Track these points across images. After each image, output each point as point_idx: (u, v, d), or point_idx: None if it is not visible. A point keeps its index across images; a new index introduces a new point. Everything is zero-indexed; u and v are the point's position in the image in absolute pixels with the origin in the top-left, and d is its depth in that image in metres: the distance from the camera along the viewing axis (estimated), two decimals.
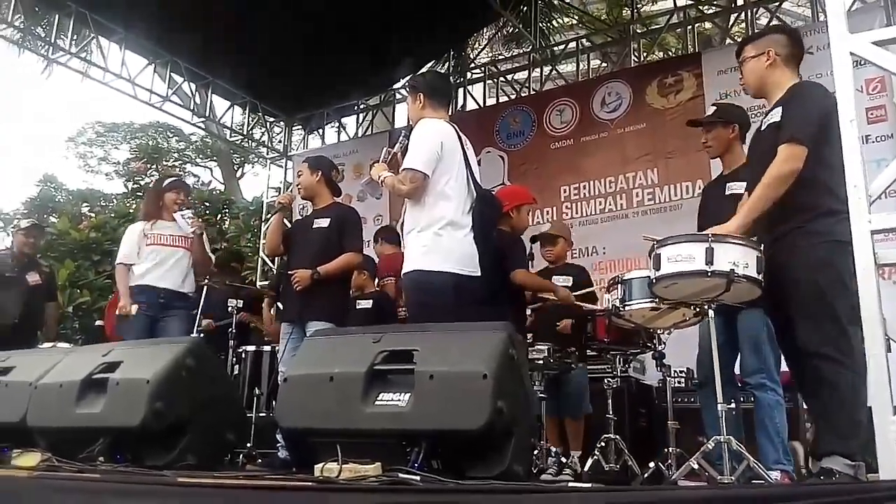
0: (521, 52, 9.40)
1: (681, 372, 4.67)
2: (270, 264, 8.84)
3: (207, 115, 9.13)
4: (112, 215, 12.30)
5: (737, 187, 3.45)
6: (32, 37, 8.00)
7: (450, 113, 3.84)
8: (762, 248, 2.79)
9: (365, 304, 5.35)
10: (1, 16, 6.98)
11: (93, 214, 12.60)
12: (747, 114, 3.87)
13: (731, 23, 7.86)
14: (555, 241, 4.70)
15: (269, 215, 4.36)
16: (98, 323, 6.74)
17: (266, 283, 8.63)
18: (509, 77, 8.60)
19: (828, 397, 2.62)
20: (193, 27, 7.24)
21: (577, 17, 11.49)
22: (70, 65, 7.71)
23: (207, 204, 13.31)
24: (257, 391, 4.86)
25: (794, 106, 2.82)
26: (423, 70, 8.77)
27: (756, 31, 7.04)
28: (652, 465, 3.43)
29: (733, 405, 2.91)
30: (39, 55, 8.15)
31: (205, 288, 4.84)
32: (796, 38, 3.08)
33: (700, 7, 7.74)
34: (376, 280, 5.49)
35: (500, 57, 10.62)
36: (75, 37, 7.46)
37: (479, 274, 3.36)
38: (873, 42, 2.20)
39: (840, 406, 2.58)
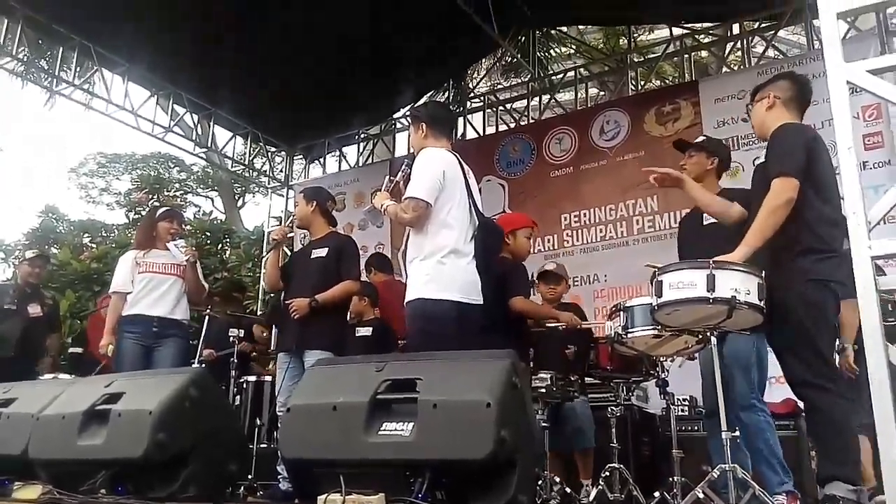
0: (520, 81, 9.49)
1: (684, 400, 4.66)
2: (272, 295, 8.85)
3: (209, 145, 9.20)
4: (113, 245, 12.32)
5: None
6: (36, 69, 8.10)
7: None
8: (763, 274, 2.82)
9: (364, 331, 5.35)
10: (5, 49, 7.07)
11: (94, 245, 12.64)
12: (730, 155, 4.01)
13: (727, 51, 7.96)
14: (560, 280, 4.72)
15: (268, 250, 4.37)
16: (74, 350, 6.67)
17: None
18: (508, 106, 8.69)
19: (821, 424, 2.71)
20: (196, 59, 7.36)
21: (574, 47, 11.63)
22: (73, 96, 7.79)
23: (208, 233, 13.35)
24: (258, 422, 4.84)
25: (776, 144, 2.95)
26: (424, 100, 8.89)
27: (752, 58, 7.17)
28: (657, 494, 3.40)
29: (738, 433, 2.90)
30: (43, 87, 8.24)
31: (206, 318, 4.84)
32: (800, 84, 3.19)
33: (696, 36, 7.85)
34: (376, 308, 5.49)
35: (500, 86, 10.74)
36: (78, 69, 7.54)
37: (481, 302, 3.36)
38: (868, 70, 2.23)
39: (835, 432, 2.65)
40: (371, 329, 5.40)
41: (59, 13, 6.89)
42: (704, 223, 3.60)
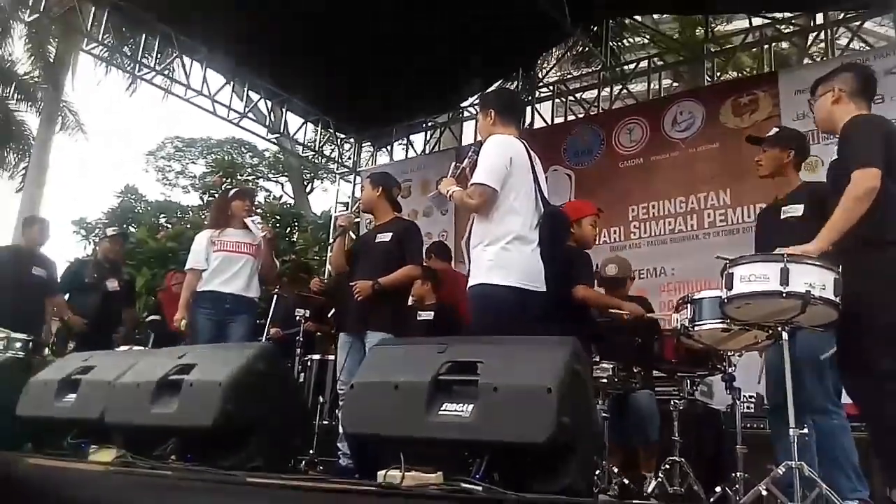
0: (591, 71, 9.35)
1: (750, 397, 4.53)
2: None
3: (281, 131, 9.41)
4: (188, 226, 12.73)
5: (793, 210, 3.41)
6: (119, 55, 8.43)
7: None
8: (840, 269, 2.71)
9: (426, 315, 5.40)
10: (91, 34, 7.36)
11: (170, 225, 13.09)
12: (807, 143, 3.81)
13: (809, 42, 7.66)
14: (624, 283, 4.64)
15: (335, 235, 4.42)
16: (153, 317, 6.89)
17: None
18: (578, 96, 8.57)
19: None
20: (271, 48, 7.52)
21: (648, 37, 11.38)
22: (154, 82, 8.07)
23: (278, 217, 13.65)
24: (321, 399, 4.94)
25: (851, 136, 2.87)
26: (493, 88, 8.85)
27: (836, 50, 6.87)
28: (718, 489, 3.33)
29: (806, 430, 2.80)
30: (126, 72, 8.56)
31: (274, 297, 4.96)
32: (864, 76, 3.13)
33: (777, 26, 7.56)
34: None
35: (570, 75, 10.60)
36: (159, 55, 7.81)
37: (543, 290, 3.34)
38: None
39: None
40: (433, 313, 5.45)
41: (143, 0, 7.14)
42: (782, 217, 3.48)
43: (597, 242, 6.60)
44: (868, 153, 2.73)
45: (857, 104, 3.00)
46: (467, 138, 8.97)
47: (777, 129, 3.84)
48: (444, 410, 2.40)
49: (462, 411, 2.37)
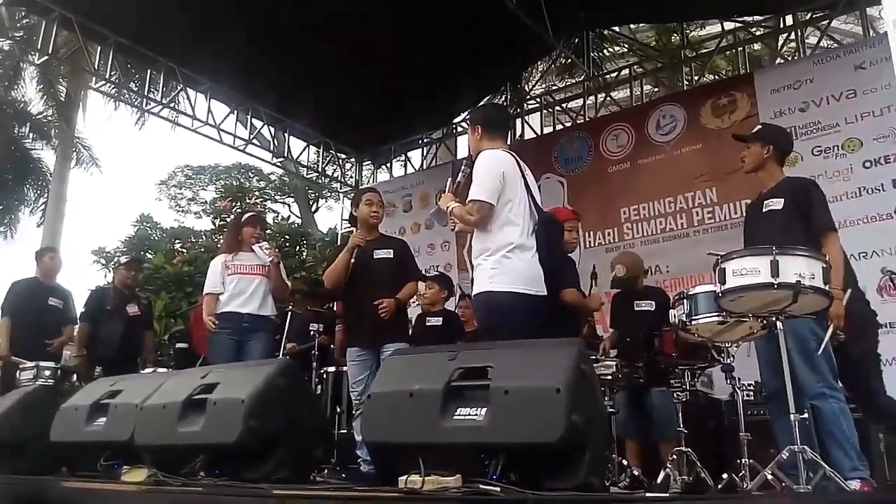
0: (575, 81, 9.36)
1: (749, 385, 4.51)
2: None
3: (285, 155, 9.42)
4: (202, 250, 12.74)
5: (773, 203, 3.45)
6: (127, 91, 8.44)
7: (508, 142, 3.84)
8: (827, 258, 2.71)
9: (435, 321, 5.41)
10: (98, 73, 7.40)
11: (184, 250, 13.07)
12: (789, 138, 3.85)
13: (780, 43, 7.67)
14: (636, 281, 4.62)
15: (348, 250, 4.37)
16: (181, 345, 6.90)
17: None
18: (564, 106, 8.58)
19: None
20: (271, 77, 7.58)
21: (627, 46, 11.40)
22: (162, 115, 8.08)
23: (287, 237, 13.65)
24: (338, 409, 4.92)
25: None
26: (481, 104, 8.86)
27: (806, 49, 6.87)
28: (725, 476, 3.31)
29: (806, 415, 2.79)
30: (134, 107, 8.58)
31: (289, 314, 4.95)
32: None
33: (749, 29, 7.58)
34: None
35: (555, 87, 10.61)
36: (165, 88, 7.82)
37: (545, 293, 3.33)
38: None
39: None
40: (441, 319, 5.45)
41: (146, 38, 7.16)
42: (764, 210, 3.49)
43: (591, 245, 6.63)
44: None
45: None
46: (462, 151, 8.97)
47: (759, 127, 3.86)
48: (459, 415, 2.38)
49: (475, 415, 2.35)
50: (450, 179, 3.57)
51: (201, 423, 2.96)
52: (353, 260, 4.25)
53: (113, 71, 7.45)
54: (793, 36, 7.11)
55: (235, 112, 8.38)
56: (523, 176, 3.43)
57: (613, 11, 7.75)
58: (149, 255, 12.50)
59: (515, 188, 3.34)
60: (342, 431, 4.77)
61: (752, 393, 4.51)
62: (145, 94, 7.93)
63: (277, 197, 19.20)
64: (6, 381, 5.47)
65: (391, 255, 4.31)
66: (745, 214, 3.95)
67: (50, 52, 7.08)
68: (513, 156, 3.46)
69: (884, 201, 5.47)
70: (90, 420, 3.47)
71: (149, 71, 7.77)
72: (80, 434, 3.46)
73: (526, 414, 2.27)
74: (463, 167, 3.48)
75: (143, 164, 45.67)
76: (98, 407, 3.49)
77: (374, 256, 4.30)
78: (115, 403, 3.44)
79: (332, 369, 5.15)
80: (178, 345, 6.59)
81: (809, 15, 6.90)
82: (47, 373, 5.06)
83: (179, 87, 7.87)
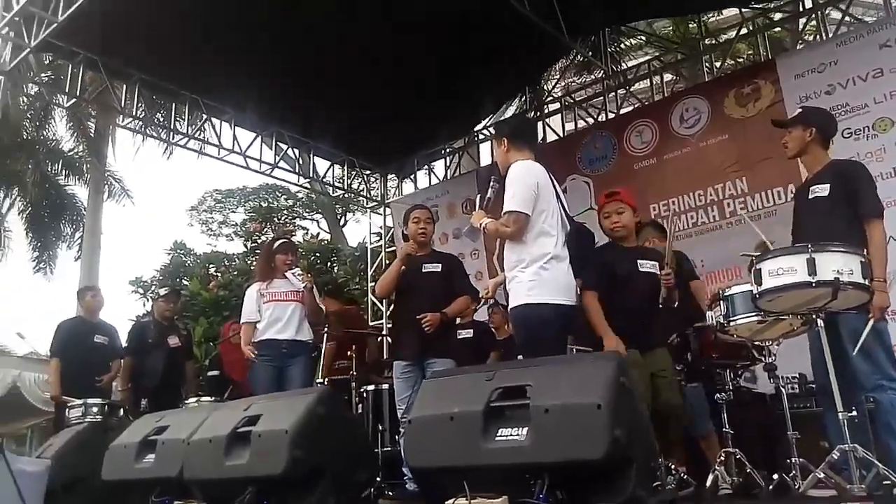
0: (595, 79, 9.29)
1: (793, 378, 4.42)
2: (381, 306, 9.03)
3: (311, 175, 9.52)
4: (235, 273, 12.92)
5: (819, 190, 3.35)
6: (153, 125, 8.62)
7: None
8: (865, 252, 2.65)
9: (466, 333, 5.41)
10: (125, 110, 7.57)
11: (219, 274, 13.27)
12: (832, 120, 3.70)
13: (801, 26, 7.53)
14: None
15: (399, 259, 4.41)
16: (212, 373, 6.95)
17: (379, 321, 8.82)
18: (585, 104, 8.52)
19: None
20: (293, 102, 7.69)
21: (645, 38, 11.29)
22: (188, 146, 8.23)
23: (318, 254, 13.77)
24: (380, 427, 4.93)
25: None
26: (503, 108, 8.86)
27: (829, 30, 6.73)
28: (776, 476, 3.24)
29: (855, 413, 2.72)
30: (161, 140, 8.76)
31: (325, 337, 4.98)
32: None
33: (768, 15, 7.45)
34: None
35: (574, 84, 10.55)
36: (190, 116, 7.97)
37: (576, 303, 3.33)
38: None
39: None
40: (472, 331, 5.45)
41: (170, 73, 7.32)
42: (809, 196, 3.40)
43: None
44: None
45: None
46: (485, 159, 8.97)
47: (801, 110, 3.75)
48: (500, 436, 2.38)
49: (517, 435, 2.35)
50: (479, 196, 3.56)
51: (247, 455, 3.01)
52: (403, 271, 4.27)
53: (140, 104, 7.61)
54: (814, 17, 6.98)
55: (260, 137, 8.50)
56: (554, 186, 3.42)
57: (629, 7, 7.67)
58: (185, 282, 12.72)
59: (549, 198, 3.33)
60: (386, 449, 4.78)
61: (796, 385, 4.43)
62: (171, 126, 8.09)
63: (305, 214, 19.38)
64: (59, 420, 5.62)
65: (439, 269, 4.31)
66: (794, 199, 3.83)
67: (77, 94, 7.27)
68: (543, 167, 3.45)
69: None
70: (139, 457, 3.55)
71: (173, 104, 7.93)
72: (131, 471, 3.54)
73: (568, 431, 2.27)
74: (492, 182, 3.47)
75: (173, 191, 46.59)
76: (146, 443, 3.57)
77: (423, 270, 4.31)
78: (163, 440, 3.51)
79: (371, 388, 5.17)
80: (210, 372, 6.66)
81: None
82: (95, 409, 5.18)
83: (204, 118, 8.02)
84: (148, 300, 13.14)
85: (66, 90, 7.23)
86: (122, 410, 5.41)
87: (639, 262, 3.60)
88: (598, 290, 3.51)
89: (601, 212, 3.76)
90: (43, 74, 10.77)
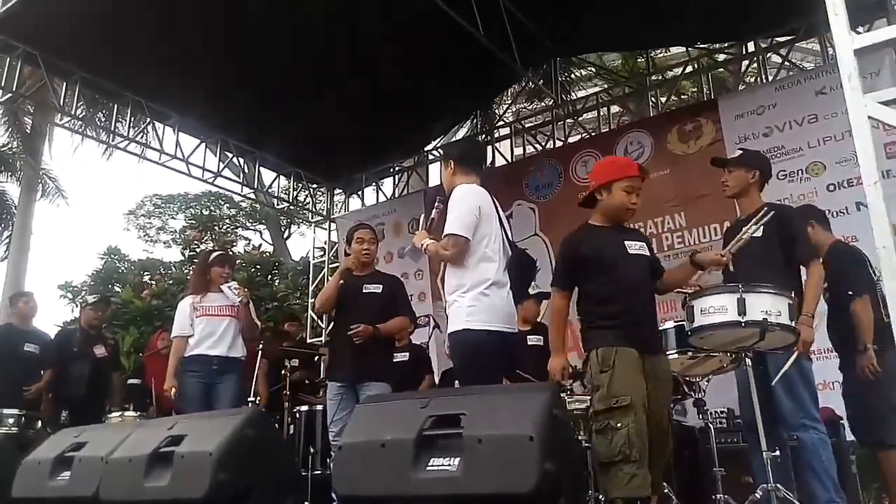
0: (545, 107, 9.46)
1: (721, 412, 4.54)
2: (320, 322, 8.90)
3: (256, 185, 9.37)
4: (171, 283, 12.56)
5: (752, 231, 3.42)
6: (93, 125, 8.34)
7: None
8: (793, 294, 2.75)
9: (402, 356, 5.37)
10: (65, 109, 7.31)
11: (153, 283, 12.88)
12: (770, 166, 3.83)
13: (744, 68, 7.83)
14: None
15: (338, 274, 4.35)
16: (132, 381, 6.69)
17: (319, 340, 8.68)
18: (534, 131, 8.66)
19: None
20: (240, 109, 7.54)
21: (594, 70, 11.57)
22: (128, 149, 7.98)
23: (258, 266, 13.52)
24: (311, 449, 4.84)
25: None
26: (452, 131, 8.92)
27: (769, 74, 7.03)
28: None
29: (778, 452, 2.80)
30: (100, 142, 8.48)
31: (259, 354, 4.87)
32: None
33: (713, 55, 7.73)
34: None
35: (525, 111, 10.72)
36: (132, 119, 7.74)
37: (516, 330, 3.34)
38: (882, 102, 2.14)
39: None
40: (407, 354, 5.42)
41: (113, 72, 7.09)
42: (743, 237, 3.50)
43: None
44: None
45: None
46: (434, 179, 9.02)
47: (741, 152, 3.86)
48: (432, 466, 2.35)
49: (449, 465, 2.32)
50: (423, 215, 3.55)
51: (168, 477, 2.88)
52: (342, 287, 4.19)
53: (80, 103, 7.35)
54: (756, 60, 7.27)
55: (205, 144, 8.32)
56: (497, 211, 3.43)
57: (580, 41, 7.85)
58: (117, 289, 12.31)
59: (491, 223, 3.33)
60: (316, 472, 4.68)
61: (724, 420, 4.54)
62: (112, 128, 7.84)
63: (248, 224, 19.04)
64: None
65: (380, 291, 4.26)
66: (723, 237, 3.94)
67: (14, 88, 6.98)
68: (487, 191, 3.46)
69: (849, 224, 5.56)
70: (54, 474, 3.36)
71: (115, 105, 7.69)
72: (44, 489, 3.34)
73: (499, 463, 2.25)
74: (437, 203, 3.46)
75: (111, 194, 45.10)
76: (62, 460, 3.38)
77: (364, 290, 4.25)
78: (80, 457, 3.32)
79: (304, 409, 5.07)
80: (130, 380, 6.42)
81: (770, 41, 7.07)
82: (11, 420, 4.94)
83: (147, 121, 7.80)
84: (77, 306, 12.67)
85: (2, 84, 6.93)
86: (39, 423, 5.16)
87: (626, 243, 3.12)
88: (566, 287, 3.15)
89: (624, 183, 3.22)
90: None
